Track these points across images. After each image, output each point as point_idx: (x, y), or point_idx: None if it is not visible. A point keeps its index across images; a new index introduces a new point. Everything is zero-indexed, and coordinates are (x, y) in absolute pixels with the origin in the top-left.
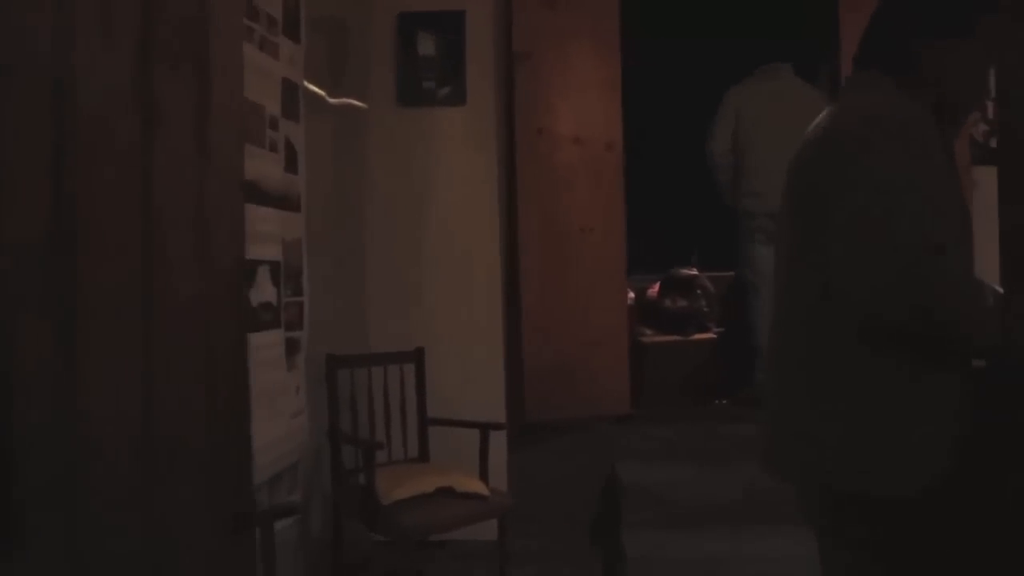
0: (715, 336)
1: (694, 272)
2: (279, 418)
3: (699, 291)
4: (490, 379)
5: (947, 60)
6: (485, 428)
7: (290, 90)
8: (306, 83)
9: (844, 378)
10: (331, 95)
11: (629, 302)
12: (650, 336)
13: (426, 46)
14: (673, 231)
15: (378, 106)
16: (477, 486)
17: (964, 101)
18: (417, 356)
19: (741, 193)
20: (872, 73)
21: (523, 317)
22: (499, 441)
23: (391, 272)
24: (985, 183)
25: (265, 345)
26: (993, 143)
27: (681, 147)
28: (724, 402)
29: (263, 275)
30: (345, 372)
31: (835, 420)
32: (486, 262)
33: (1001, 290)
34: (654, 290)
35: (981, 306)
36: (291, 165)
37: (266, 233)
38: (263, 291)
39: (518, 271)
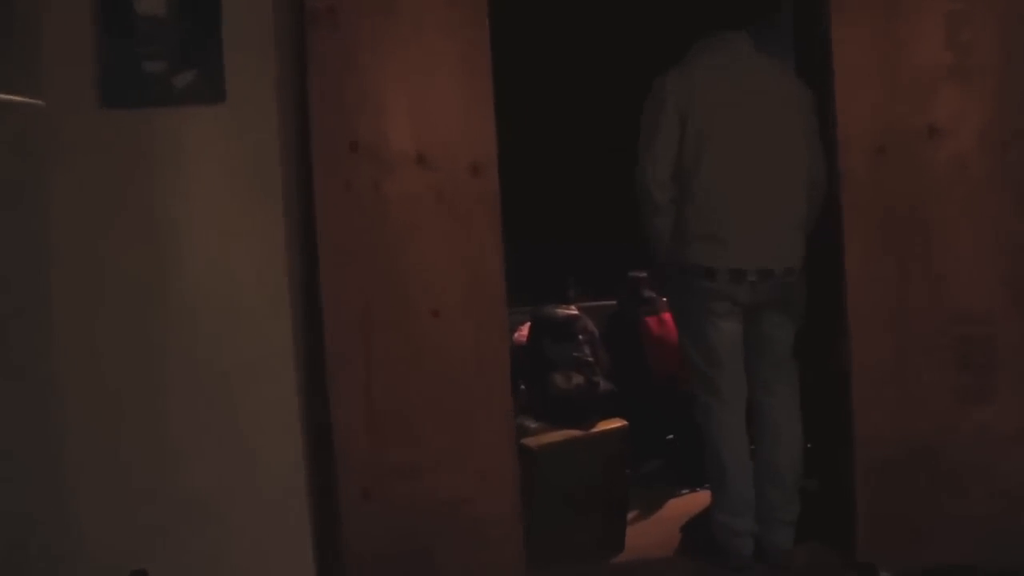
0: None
1: (574, 312)
2: None
3: (581, 336)
4: None
5: None
6: None
7: None
8: None
9: None
10: None
11: None
12: (537, 431)
13: (151, 1)
14: (540, 247)
15: (65, 104)
16: None
17: None
18: None
19: (685, 239)
20: None
21: (340, 466)
22: None
23: (98, 400)
24: None
25: None
26: None
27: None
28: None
29: None
30: None
31: None
32: (271, 375)
33: None
34: (522, 334)
35: None
36: None
37: None
38: None
39: (327, 387)
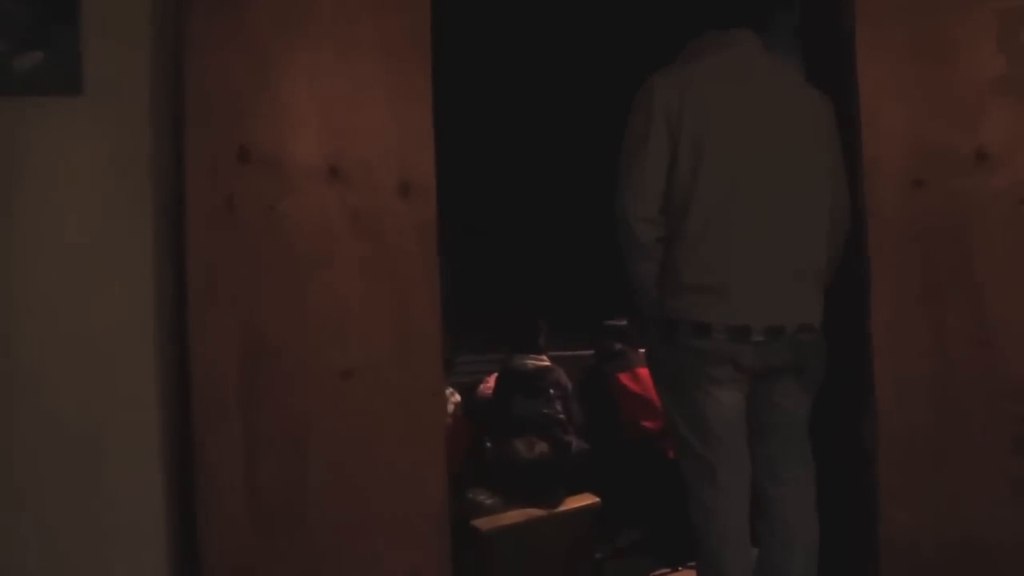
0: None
1: (544, 362)
2: None
3: (552, 391)
4: None
5: None
6: None
7: None
8: None
9: None
10: None
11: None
12: (492, 509)
13: None
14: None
15: None
16: None
17: None
18: None
19: (675, 287)
20: None
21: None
22: None
23: None
24: None
25: None
26: None
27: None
28: None
29: None
30: None
31: None
32: (130, 445)
33: None
34: (488, 386)
35: None
36: None
37: None
38: None
39: (193, 470)
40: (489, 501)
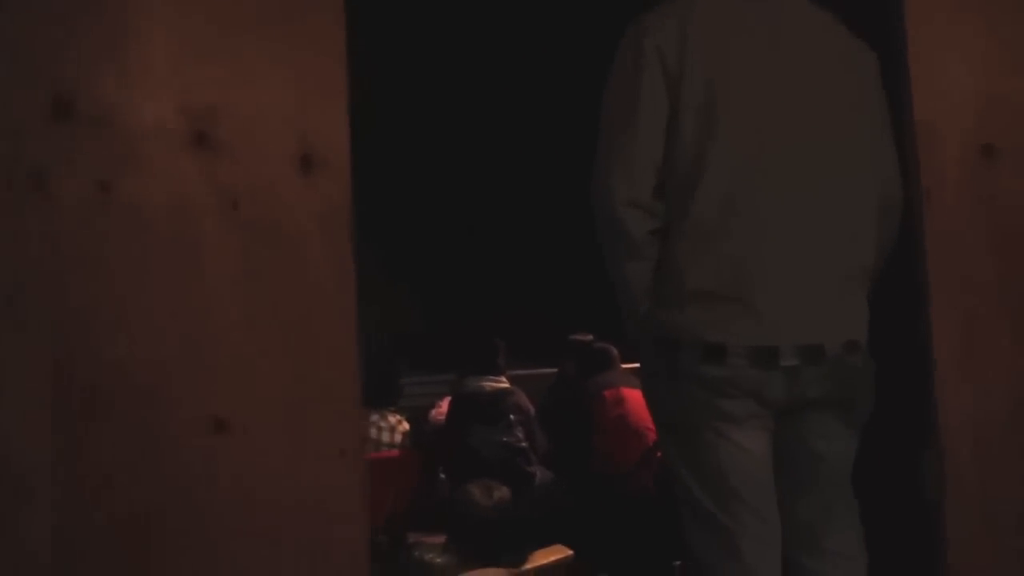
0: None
1: (503, 385)
2: None
3: (512, 416)
4: None
5: None
6: None
7: None
8: None
9: None
10: None
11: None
12: (442, 571)
13: None
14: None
15: None
16: None
17: None
18: None
19: (676, 296)
20: None
21: None
22: None
23: None
24: None
25: None
26: None
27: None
28: None
29: None
30: None
31: None
32: None
33: None
34: (441, 411)
35: None
36: None
37: None
38: None
39: None
40: (440, 559)
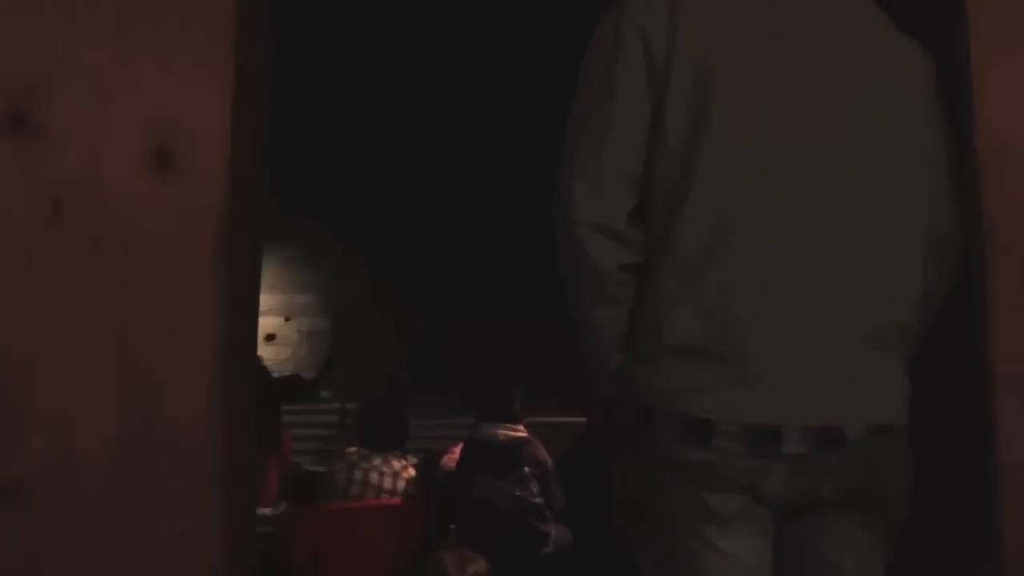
0: None
1: (519, 433)
2: None
3: (527, 468)
4: None
5: None
6: None
7: None
8: None
9: None
10: None
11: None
12: None
13: None
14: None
15: None
16: None
17: None
18: None
19: (651, 350)
20: None
21: None
22: None
23: None
24: None
25: None
26: None
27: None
28: None
29: None
30: None
31: None
32: None
33: None
34: (452, 458)
35: None
36: None
37: None
38: None
39: None
40: None
